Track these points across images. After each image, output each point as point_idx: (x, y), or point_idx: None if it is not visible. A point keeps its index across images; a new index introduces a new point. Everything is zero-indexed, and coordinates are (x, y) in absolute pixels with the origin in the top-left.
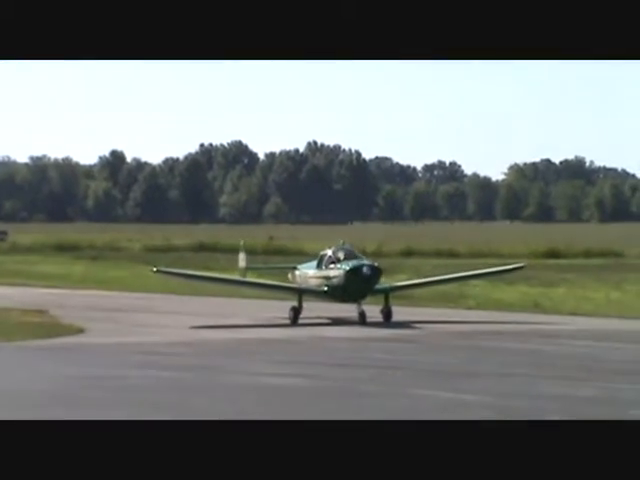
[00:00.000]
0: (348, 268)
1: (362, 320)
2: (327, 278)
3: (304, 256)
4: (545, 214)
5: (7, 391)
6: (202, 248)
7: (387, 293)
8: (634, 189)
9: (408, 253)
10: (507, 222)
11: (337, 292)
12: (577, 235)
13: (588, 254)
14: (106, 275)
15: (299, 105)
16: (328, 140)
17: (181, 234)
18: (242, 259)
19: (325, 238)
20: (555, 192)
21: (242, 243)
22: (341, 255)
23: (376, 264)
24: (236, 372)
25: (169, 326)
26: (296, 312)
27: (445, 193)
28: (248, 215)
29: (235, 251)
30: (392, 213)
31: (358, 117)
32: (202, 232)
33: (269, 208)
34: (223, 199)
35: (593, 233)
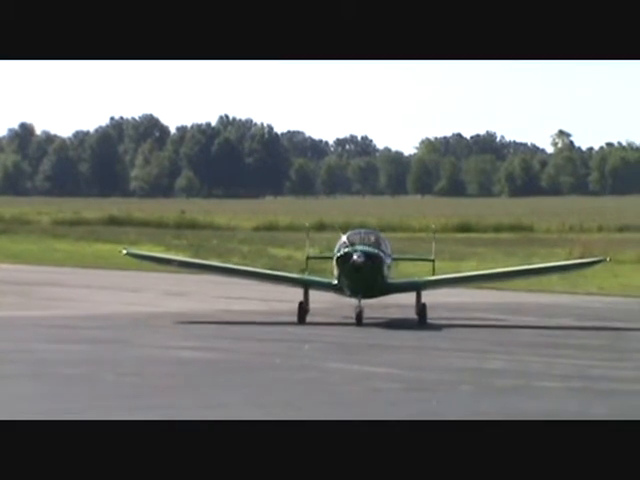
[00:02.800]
0: (338, 255)
1: (358, 320)
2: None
3: (216, 230)
4: (456, 188)
5: None
6: (113, 222)
7: (418, 290)
8: (543, 164)
9: (320, 227)
10: (418, 196)
11: (339, 284)
12: (487, 209)
13: (498, 228)
14: (15, 249)
15: (211, 78)
16: (240, 114)
17: (92, 207)
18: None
19: (237, 212)
20: (466, 166)
21: (307, 225)
22: (351, 240)
23: (376, 252)
24: (144, 345)
25: (78, 300)
26: (301, 309)
27: (357, 167)
28: (159, 189)
29: (145, 225)
30: (304, 187)
31: (270, 90)
32: (113, 206)
33: (180, 182)
34: (134, 173)
35: (503, 207)
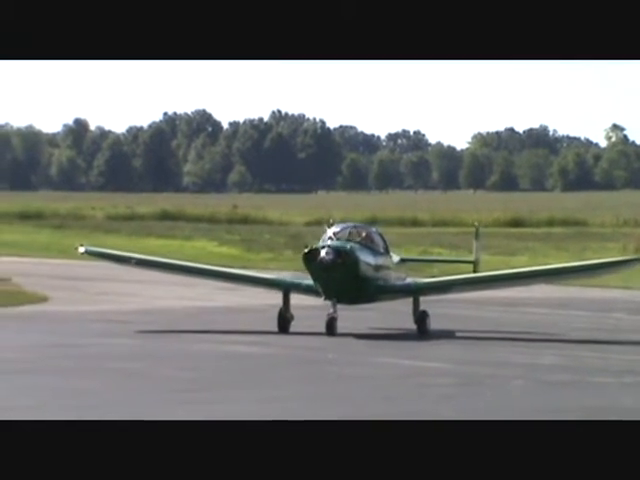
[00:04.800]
0: (304, 251)
1: (328, 329)
2: None
3: (268, 225)
4: (509, 183)
5: None
6: (166, 217)
7: (415, 294)
8: (597, 158)
9: (372, 222)
10: (471, 191)
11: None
12: (540, 204)
13: (551, 223)
14: (69, 243)
15: (263, 74)
16: (292, 109)
17: (145, 202)
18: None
19: (289, 207)
20: (519, 161)
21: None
22: (337, 235)
23: (348, 247)
24: (198, 340)
25: (132, 295)
26: (282, 317)
27: (409, 162)
28: (212, 184)
29: (198, 220)
30: (356, 182)
31: (322, 86)
32: (166, 201)
33: (233, 177)
34: (187, 168)
35: (556, 202)
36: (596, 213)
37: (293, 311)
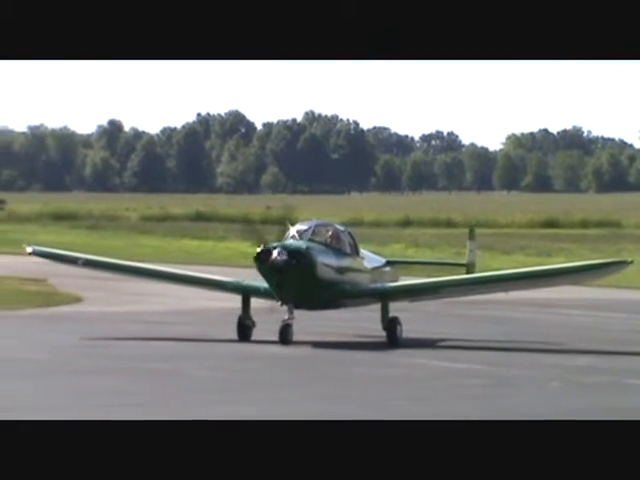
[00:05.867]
0: (256, 252)
1: (282, 337)
2: None
3: None
4: (543, 184)
5: (5, 360)
6: (199, 218)
7: (384, 298)
8: (632, 159)
9: (405, 223)
10: (505, 192)
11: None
12: (574, 205)
13: (585, 224)
14: (103, 244)
15: (297, 75)
16: (326, 110)
17: (178, 203)
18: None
19: (322, 208)
20: (553, 162)
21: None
22: (300, 233)
23: (304, 247)
24: (229, 340)
25: (165, 295)
26: (241, 325)
27: (443, 163)
28: (245, 185)
29: (231, 221)
30: (389, 183)
31: (356, 87)
32: (199, 201)
33: (266, 178)
34: (220, 169)
35: (590, 203)
36: (631, 214)
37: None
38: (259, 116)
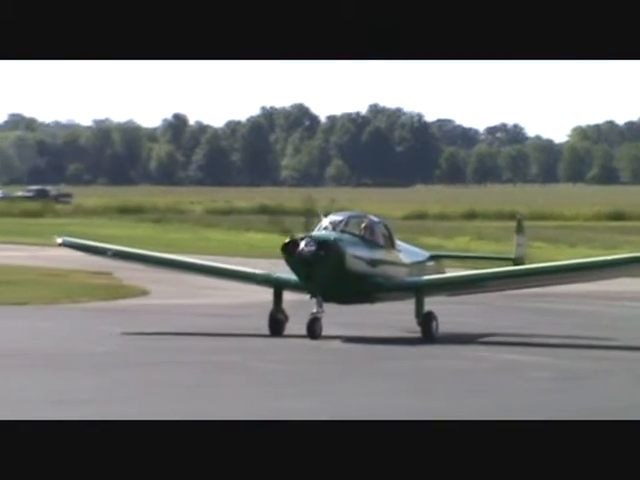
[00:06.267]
0: (284, 243)
1: (309, 331)
2: None
3: None
4: (608, 176)
5: (72, 353)
6: (264, 211)
7: (418, 292)
8: None
9: (470, 215)
10: (570, 184)
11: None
12: None
13: None
14: (169, 237)
15: (361, 67)
16: (390, 102)
17: (243, 197)
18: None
19: (386, 201)
20: (619, 154)
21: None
22: (326, 224)
23: (332, 239)
24: (290, 334)
25: (228, 288)
26: (273, 319)
27: (507, 155)
28: (309, 178)
29: (297, 214)
30: (454, 175)
31: (420, 79)
32: (264, 195)
33: (330, 171)
34: (284, 162)
35: None
36: None
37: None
38: (323, 109)
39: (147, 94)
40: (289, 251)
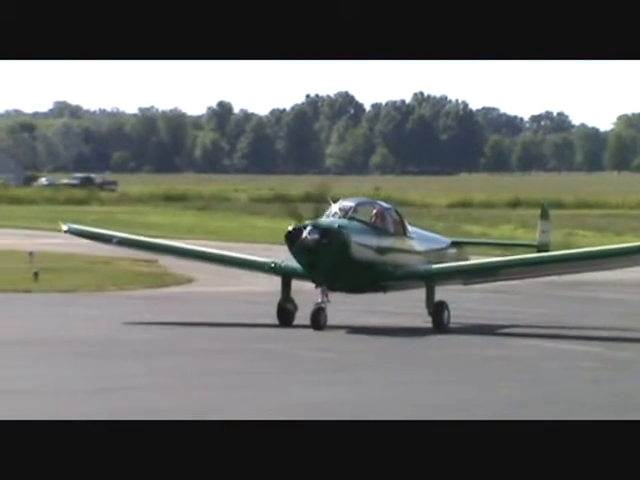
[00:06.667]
0: (287, 231)
1: (313, 322)
2: None
3: (410, 207)
4: None
5: (117, 340)
6: (309, 199)
7: (428, 281)
8: None
9: (515, 204)
10: (615, 173)
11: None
12: None
13: None
14: (214, 225)
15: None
16: (434, 91)
17: (288, 185)
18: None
19: (431, 189)
20: None
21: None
22: (335, 210)
23: (335, 226)
24: (332, 321)
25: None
26: (282, 309)
27: (552, 143)
28: (354, 166)
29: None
30: (499, 164)
31: (465, 67)
32: (308, 183)
33: (375, 159)
34: (329, 150)
35: None
36: None
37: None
38: (368, 97)
39: (192, 82)
40: (292, 239)
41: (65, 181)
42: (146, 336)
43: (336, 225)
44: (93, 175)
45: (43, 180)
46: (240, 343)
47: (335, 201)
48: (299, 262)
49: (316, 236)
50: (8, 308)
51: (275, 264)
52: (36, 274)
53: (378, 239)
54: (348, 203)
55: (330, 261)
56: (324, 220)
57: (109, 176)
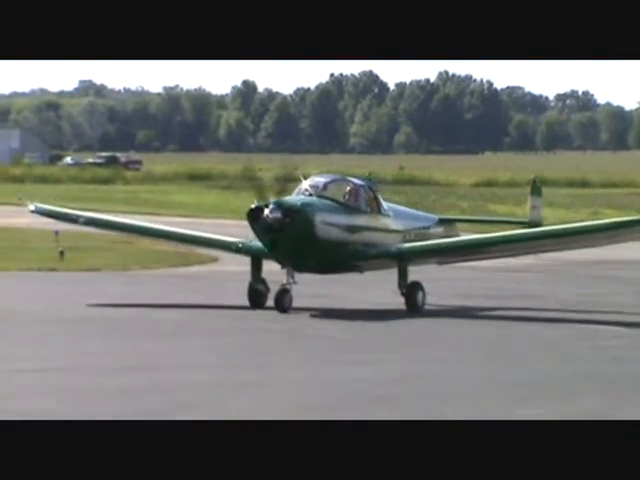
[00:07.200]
0: (250, 208)
1: (277, 303)
2: None
3: (435, 186)
4: None
5: (140, 319)
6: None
7: (401, 261)
8: None
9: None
10: None
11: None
12: None
13: None
14: (238, 204)
15: None
16: (459, 70)
17: (312, 164)
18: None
19: (455, 168)
20: None
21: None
22: (306, 186)
23: (298, 204)
24: (361, 301)
25: None
26: (253, 290)
27: (578, 122)
28: (378, 145)
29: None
30: (523, 143)
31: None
32: (333, 162)
33: (399, 138)
34: (353, 129)
35: None
36: None
37: None
38: (392, 76)
39: (217, 61)
40: (254, 217)
41: (90, 160)
42: (170, 315)
43: (299, 203)
44: (118, 154)
45: (68, 159)
46: (260, 323)
47: (306, 178)
48: (261, 241)
49: (278, 214)
50: (35, 286)
51: (242, 244)
52: (62, 253)
53: (348, 217)
54: (319, 180)
55: (293, 241)
56: (288, 198)
57: (134, 155)
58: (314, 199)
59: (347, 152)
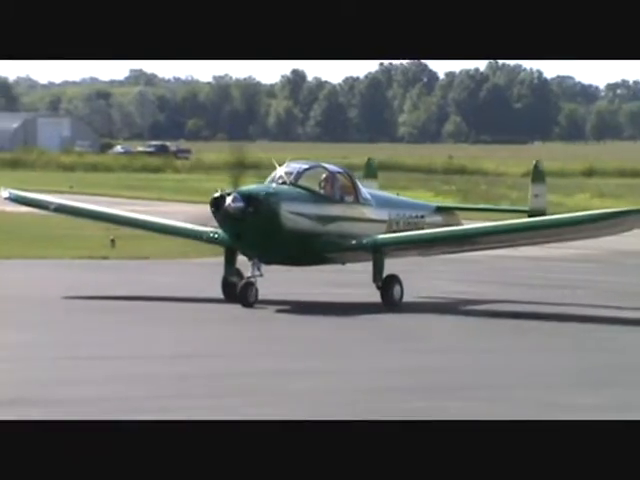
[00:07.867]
0: (212, 197)
1: (241, 297)
2: None
3: (484, 176)
4: None
5: (183, 308)
6: (381, 167)
7: (376, 253)
8: None
9: (589, 173)
10: None
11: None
12: None
13: None
14: None
15: None
16: (509, 59)
17: (360, 153)
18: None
19: (505, 158)
20: None
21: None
22: (281, 173)
23: (263, 193)
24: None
25: None
26: (226, 284)
27: (629, 112)
28: (427, 134)
29: (413, 170)
30: (573, 132)
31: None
32: (381, 151)
33: (448, 127)
34: (402, 118)
35: None
36: None
37: None
38: (442, 65)
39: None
40: (217, 206)
41: (140, 149)
42: (207, 305)
43: (263, 192)
44: (168, 143)
45: (118, 148)
46: (309, 310)
47: (280, 165)
48: (224, 232)
49: (240, 204)
50: (88, 274)
51: (214, 233)
52: (113, 241)
53: (320, 207)
54: (293, 167)
55: (257, 231)
56: (252, 187)
57: (183, 144)
58: (282, 187)
59: (396, 141)
